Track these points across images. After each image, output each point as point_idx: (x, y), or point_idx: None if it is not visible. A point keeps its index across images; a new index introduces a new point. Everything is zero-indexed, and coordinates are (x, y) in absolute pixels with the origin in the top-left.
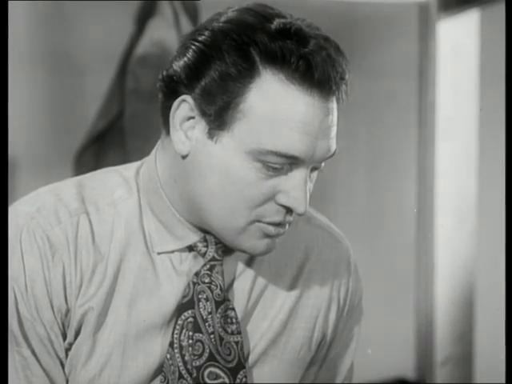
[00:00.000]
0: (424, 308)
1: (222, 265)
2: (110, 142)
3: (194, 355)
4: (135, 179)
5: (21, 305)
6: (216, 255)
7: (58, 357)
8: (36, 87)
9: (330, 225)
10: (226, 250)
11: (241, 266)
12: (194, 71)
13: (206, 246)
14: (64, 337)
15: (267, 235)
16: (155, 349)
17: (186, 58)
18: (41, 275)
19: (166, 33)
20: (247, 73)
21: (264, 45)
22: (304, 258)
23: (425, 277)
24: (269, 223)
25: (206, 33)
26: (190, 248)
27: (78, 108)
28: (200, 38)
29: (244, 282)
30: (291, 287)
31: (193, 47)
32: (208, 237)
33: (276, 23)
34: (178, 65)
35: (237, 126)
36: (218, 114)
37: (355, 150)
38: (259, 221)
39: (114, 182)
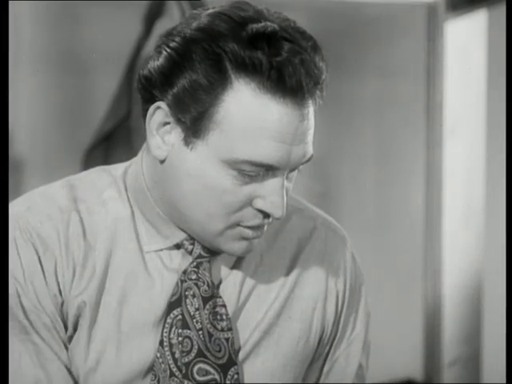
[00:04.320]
0: (432, 309)
1: (209, 262)
2: (117, 142)
3: (183, 352)
4: (123, 179)
5: (23, 298)
6: (202, 252)
7: (64, 344)
8: (44, 87)
9: (325, 216)
10: None
11: (231, 261)
12: (167, 78)
13: (193, 244)
14: (66, 327)
15: (245, 238)
16: (148, 346)
17: (158, 63)
18: (38, 268)
19: None
20: (219, 83)
21: (235, 54)
22: (297, 250)
23: (432, 277)
24: (247, 227)
25: (177, 39)
26: (178, 246)
27: (86, 108)
28: (171, 45)
29: (235, 277)
30: (285, 279)
31: (165, 53)
32: None
33: (248, 29)
34: (153, 67)
35: (211, 135)
36: (192, 122)
37: (363, 149)
38: (238, 224)
39: (103, 181)
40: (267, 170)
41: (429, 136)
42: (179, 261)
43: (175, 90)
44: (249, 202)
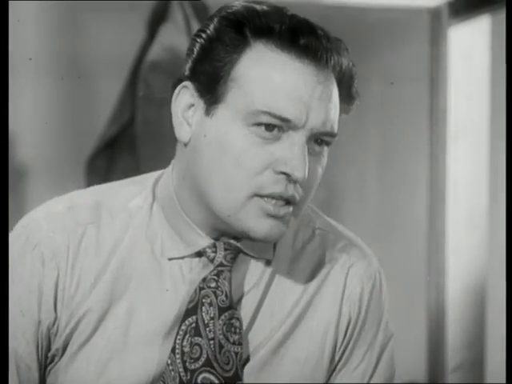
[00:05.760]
0: (435, 313)
1: (230, 271)
2: (121, 148)
3: (191, 358)
4: (152, 188)
5: (11, 300)
6: (224, 261)
7: (19, 362)
8: (47, 93)
9: (353, 239)
10: (234, 256)
11: (253, 278)
12: (195, 59)
13: (215, 252)
14: (48, 343)
15: (268, 215)
16: (155, 356)
17: (189, 52)
18: (26, 283)
19: (177, 38)
20: (239, 47)
21: (253, 20)
22: (316, 272)
23: (436, 282)
24: (269, 196)
25: (207, 22)
26: (200, 254)
27: (89, 114)
28: (201, 29)
29: (254, 295)
30: (299, 299)
31: (195, 38)
32: (217, 243)
33: (268, 5)
34: (185, 67)
35: (230, 95)
36: (212, 87)
37: (366, 154)
38: (259, 195)
39: (131, 191)
40: (287, 128)
41: (432, 141)
42: (199, 271)
43: (200, 64)
44: (269, 165)
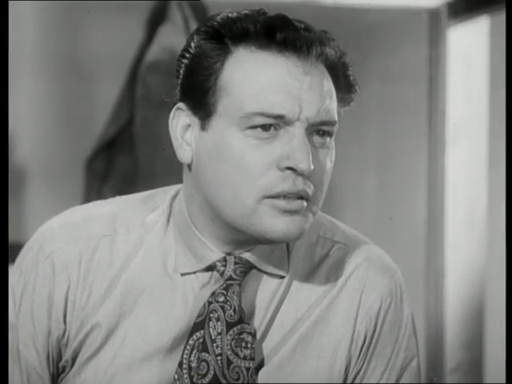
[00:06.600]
0: (434, 315)
1: (239, 285)
2: (120, 148)
3: (198, 375)
4: (170, 203)
5: (20, 312)
6: (234, 274)
7: (30, 371)
8: (45, 94)
9: (375, 252)
10: (245, 270)
11: (266, 295)
12: (183, 80)
13: (225, 266)
14: (59, 354)
15: (283, 211)
16: (159, 371)
17: (177, 75)
18: (37, 291)
19: (176, 39)
20: (221, 56)
21: (230, 27)
22: (331, 286)
23: (435, 283)
24: (279, 195)
25: (188, 41)
26: (211, 268)
27: (88, 115)
28: (184, 49)
29: (266, 311)
30: (309, 314)
31: (179, 59)
32: (228, 257)
33: (245, 10)
34: (175, 91)
35: (220, 104)
36: (203, 100)
37: (365, 155)
38: (268, 196)
39: (149, 205)
40: (284, 124)
41: (431, 142)
42: (211, 285)
43: (188, 84)
44: (272, 164)
